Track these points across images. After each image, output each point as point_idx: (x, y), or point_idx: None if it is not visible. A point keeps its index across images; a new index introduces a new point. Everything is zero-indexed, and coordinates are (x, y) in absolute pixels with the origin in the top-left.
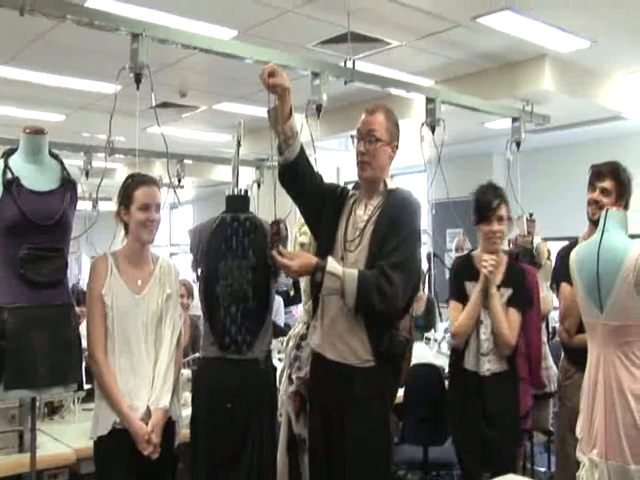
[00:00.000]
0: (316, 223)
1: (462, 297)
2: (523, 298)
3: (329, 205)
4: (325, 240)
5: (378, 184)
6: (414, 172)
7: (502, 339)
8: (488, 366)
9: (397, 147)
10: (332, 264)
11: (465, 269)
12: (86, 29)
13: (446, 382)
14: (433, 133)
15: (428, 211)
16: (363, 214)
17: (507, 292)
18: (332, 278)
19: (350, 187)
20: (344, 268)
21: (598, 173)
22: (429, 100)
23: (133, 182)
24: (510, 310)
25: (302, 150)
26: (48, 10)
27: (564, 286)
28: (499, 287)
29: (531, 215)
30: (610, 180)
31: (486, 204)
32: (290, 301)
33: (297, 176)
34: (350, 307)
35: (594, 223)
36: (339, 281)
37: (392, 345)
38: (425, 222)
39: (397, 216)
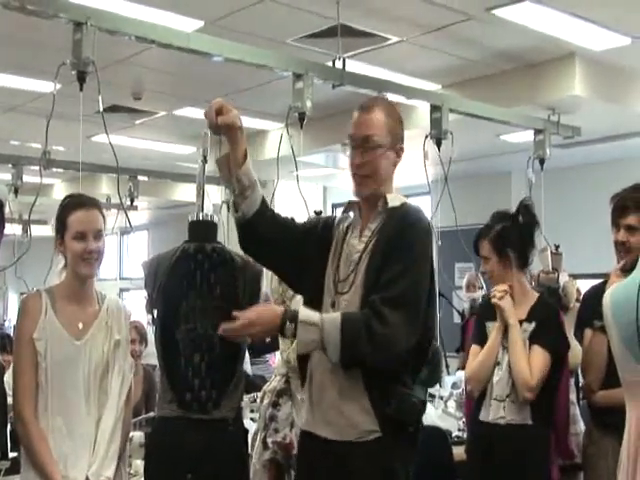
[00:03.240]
0: (299, 281)
1: (482, 340)
2: (552, 336)
3: (312, 249)
4: (311, 291)
5: (377, 198)
6: (416, 194)
7: (519, 378)
8: (502, 414)
9: (403, 149)
10: (305, 311)
11: (487, 309)
12: (17, 14)
13: (454, 448)
14: (439, 148)
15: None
16: (358, 243)
17: (530, 327)
18: (308, 328)
19: (338, 213)
20: (322, 314)
21: (621, 208)
22: (434, 108)
23: (67, 205)
24: (534, 347)
25: (263, 201)
26: None
27: (586, 332)
28: (521, 322)
29: (557, 247)
30: (636, 214)
31: (473, 242)
32: (265, 348)
33: (261, 235)
34: (335, 362)
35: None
36: (317, 330)
37: (402, 408)
38: None
39: (397, 239)
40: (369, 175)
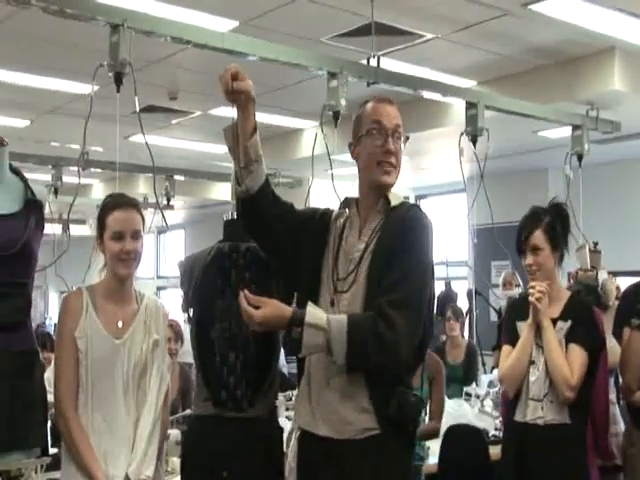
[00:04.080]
0: (294, 272)
1: (515, 340)
2: (588, 334)
3: (308, 239)
4: (307, 284)
5: (377, 199)
6: (452, 192)
7: (559, 377)
8: (541, 414)
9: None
10: (312, 313)
11: (519, 308)
12: (55, 17)
13: (491, 448)
14: (475, 145)
15: (469, 239)
16: (358, 241)
17: (565, 325)
18: (314, 332)
19: (335, 208)
20: (329, 315)
21: None
22: (470, 105)
23: (106, 206)
24: (571, 346)
25: (267, 179)
26: None
27: (625, 330)
28: (555, 321)
29: (595, 245)
30: None
31: (518, 233)
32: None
33: (261, 212)
34: (340, 364)
35: None
36: (323, 334)
37: (403, 408)
38: (465, 252)
39: (400, 239)
40: (396, 166)
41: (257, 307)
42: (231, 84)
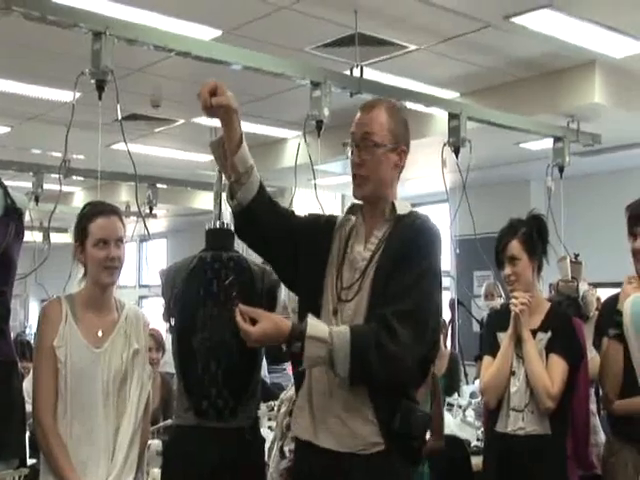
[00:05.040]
0: (296, 279)
1: (495, 350)
2: (568, 344)
3: (310, 245)
4: (309, 293)
5: (382, 206)
6: (434, 202)
7: (539, 387)
8: (522, 424)
9: (406, 152)
10: (314, 325)
11: (499, 319)
12: (37, 24)
13: (473, 458)
14: (457, 156)
15: (451, 249)
16: (364, 250)
17: (545, 336)
18: (316, 344)
19: (342, 214)
20: (331, 327)
21: (636, 217)
22: (452, 116)
23: (88, 213)
24: (551, 356)
25: (261, 187)
26: None
27: (603, 341)
28: (535, 332)
29: (576, 256)
30: None
31: (496, 244)
32: (282, 357)
33: (257, 222)
34: (342, 378)
35: None
36: (325, 347)
37: (408, 423)
38: (448, 262)
39: (407, 248)
40: (368, 176)
41: (253, 321)
42: (209, 100)
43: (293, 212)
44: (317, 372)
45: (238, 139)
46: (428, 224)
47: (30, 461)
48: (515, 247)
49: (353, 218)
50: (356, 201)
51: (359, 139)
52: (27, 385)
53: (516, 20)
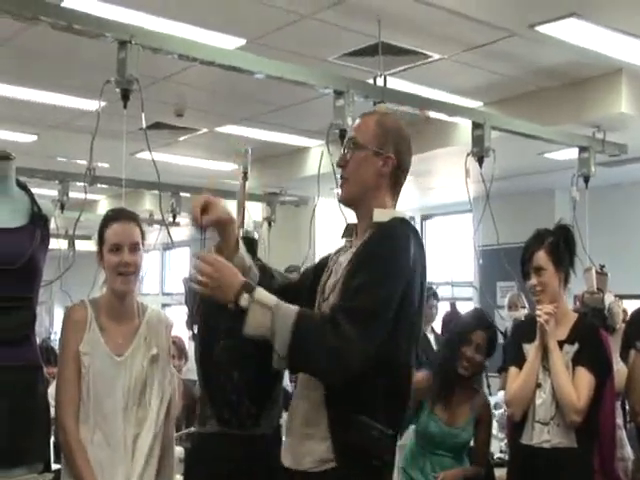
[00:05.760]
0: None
1: (521, 362)
2: (595, 357)
3: (314, 282)
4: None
5: (368, 214)
6: (457, 212)
7: (565, 400)
8: (547, 437)
9: (394, 160)
10: (262, 292)
11: (524, 330)
12: (63, 34)
13: (496, 470)
14: (481, 165)
15: (474, 260)
16: (345, 260)
17: (572, 349)
18: (260, 309)
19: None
20: (282, 302)
21: None
22: (476, 125)
23: (105, 219)
24: (578, 369)
25: (262, 278)
26: (17, 10)
27: (630, 353)
28: (562, 343)
29: (602, 267)
30: None
31: (522, 254)
32: None
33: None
34: (281, 359)
35: None
36: (270, 315)
37: (363, 440)
38: (471, 273)
39: (369, 250)
40: (348, 177)
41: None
42: (200, 219)
43: (303, 272)
44: (299, 386)
45: (234, 245)
46: (394, 230)
47: (55, 466)
48: (542, 257)
49: (349, 243)
50: (350, 221)
51: (346, 143)
52: (52, 390)
53: (541, 29)
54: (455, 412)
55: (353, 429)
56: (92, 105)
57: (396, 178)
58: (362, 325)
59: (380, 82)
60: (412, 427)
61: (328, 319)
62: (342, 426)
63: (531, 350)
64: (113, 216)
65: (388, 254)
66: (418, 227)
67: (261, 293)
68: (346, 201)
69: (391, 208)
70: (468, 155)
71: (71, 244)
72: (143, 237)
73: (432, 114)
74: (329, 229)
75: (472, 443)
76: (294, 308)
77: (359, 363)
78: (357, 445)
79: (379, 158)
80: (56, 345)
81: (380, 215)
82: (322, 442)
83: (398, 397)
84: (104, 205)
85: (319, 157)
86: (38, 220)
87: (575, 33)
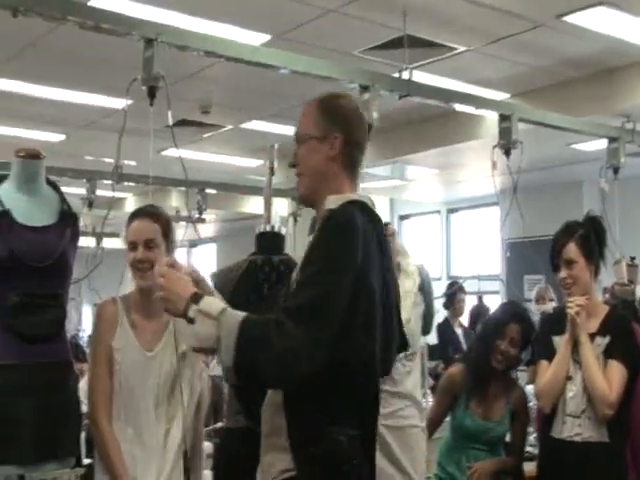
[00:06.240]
0: None
1: (551, 355)
2: (627, 349)
3: None
4: None
5: (323, 204)
6: (484, 205)
7: (597, 393)
8: (578, 430)
9: (340, 138)
10: (208, 301)
11: (554, 323)
12: (89, 33)
13: (525, 465)
14: (508, 157)
15: (501, 253)
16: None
17: (604, 341)
18: (207, 320)
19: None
20: (229, 309)
21: None
22: (503, 117)
23: (128, 218)
24: (609, 362)
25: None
26: (46, 10)
27: None
28: (593, 336)
29: (632, 259)
30: None
31: (551, 247)
32: None
33: None
34: (227, 368)
35: None
36: (216, 325)
37: (321, 445)
38: (498, 266)
39: (311, 244)
40: (302, 173)
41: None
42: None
43: None
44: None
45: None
46: (335, 219)
47: (86, 461)
48: (572, 250)
49: None
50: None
51: (294, 141)
52: (82, 386)
53: (569, 19)
54: (490, 406)
55: (314, 435)
56: (118, 104)
57: (348, 156)
58: (306, 324)
59: (405, 75)
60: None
61: (272, 322)
62: (302, 432)
63: (561, 343)
64: (133, 214)
65: (331, 245)
66: (443, 221)
67: (207, 302)
68: (303, 198)
69: (349, 192)
70: (494, 147)
71: (99, 242)
72: (166, 233)
73: (458, 107)
74: None
75: (508, 438)
76: (239, 315)
77: (308, 365)
78: (318, 452)
79: (325, 143)
80: (84, 342)
81: (332, 202)
82: (282, 452)
83: (361, 395)
84: (131, 203)
85: None
86: (68, 218)
87: (604, 22)
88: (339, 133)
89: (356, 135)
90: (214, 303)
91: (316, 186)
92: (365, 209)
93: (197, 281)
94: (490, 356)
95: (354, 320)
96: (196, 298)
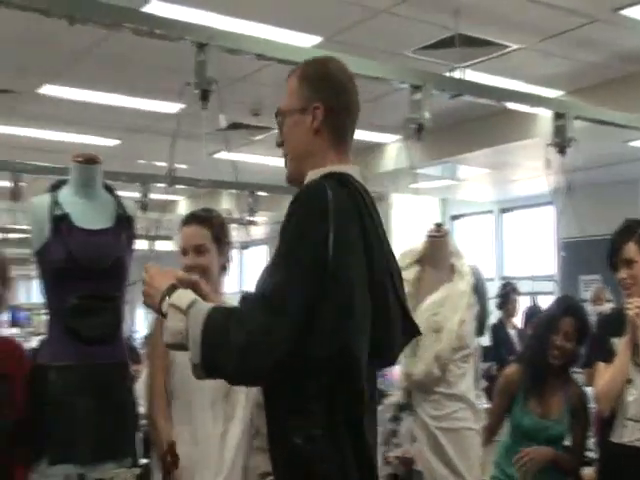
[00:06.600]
0: None
1: (609, 357)
2: None
3: None
4: None
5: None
6: (538, 204)
7: None
8: (639, 435)
9: (321, 106)
10: (181, 293)
11: (612, 324)
12: (142, 39)
13: (583, 469)
14: (562, 156)
15: (556, 252)
16: None
17: None
18: (177, 314)
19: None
20: (200, 302)
21: None
22: (558, 115)
23: (181, 222)
24: None
25: None
26: (102, 18)
27: None
28: None
29: None
30: None
31: (610, 247)
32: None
33: None
34: (196, 366)
35: None
36: (185, 320)
37: (287, 449)
38: (552, 266)
39: (281, 227)
40: (288, 153)
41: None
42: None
43: None
44: None
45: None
46: (300, 199)
47: (142, 461)
48: (632, 249)
49: None
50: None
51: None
52: (138, 386)
53: (626, 12)
54: (548, 404)
55: (282, 436)
56: (170, 108)
57: (334, 126)
58: (264, 314)
59: (457, 74)
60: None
61: (233, 314)
62: (273, 433)
63: (620, 345)
64: (184, 219)
65: (294, 228)
66: (496, 220)
67: (179, 295)
68: (290, 180)
69: (335, 164)
70: (548, 146)
71: (152, 244)
72: (218, 237)
73: (511, 105)
74: (406, 225)
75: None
76: (207, 308)
77: (269, 357)
78: (284, 454)
79: (307, 115)
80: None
81: (308, 179)
82: (262, 454)
83: (336, 392)
84: (183, 206)
85: (394, 153)
86: (124, 221)
87: None
88: (320, 102)
89: (341, 101)
90: (186, 296)
91: (302, 164)
92: (344, 181)
93: (194, 283)
94: (546, 352)
95: (322, 307)
96: (170, 291)
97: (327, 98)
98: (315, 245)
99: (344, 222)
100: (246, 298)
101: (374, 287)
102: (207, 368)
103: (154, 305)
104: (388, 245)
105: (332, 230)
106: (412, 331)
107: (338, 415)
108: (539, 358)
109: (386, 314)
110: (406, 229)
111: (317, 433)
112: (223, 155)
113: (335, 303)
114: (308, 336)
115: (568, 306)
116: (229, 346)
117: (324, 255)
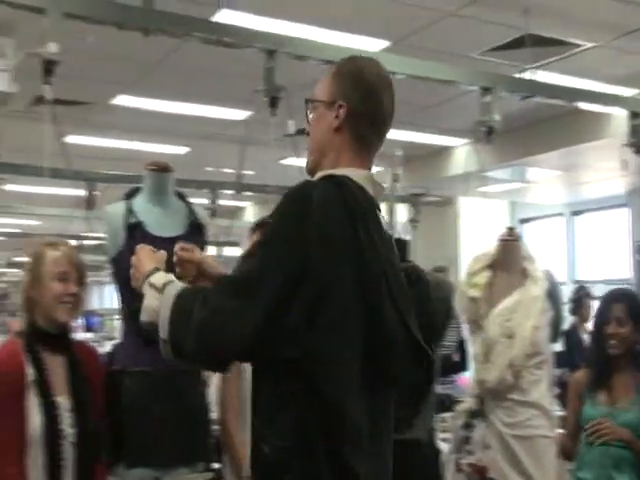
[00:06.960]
0: None
1: None
2: None
3: None
4: None
5: None
6: (611, 207)
7: None
8: None
9: (345, 106)
10: (161, 274)
11: None
12: (211, 48)
13: None
14: (639, 156)
15: (631, 255)
16: None
17: None
18: (153, 293)
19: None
20: (175, 282)
21: None
22: (634, 115)
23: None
24: None
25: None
26: (174, 28)
27: None
28: None
29: None
30: None
31: None
32: (452, 368)
33: None
34: (164, 342)
35: None
36: (160, 298)
37: (255, 453)
38: (627, 270)
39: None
40: (311, 146)
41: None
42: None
43: None
44: None
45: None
46: (286, 197)
47: (214, 465)
48: None
49: None
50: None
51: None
52: (211, 392)
53: None
54: (617, 395)
55: (254, 439)
56: (237, 115)
57: (354, 125)
58: (230, 296)
59: (528, 75)
60: None
61: (204, 292)
62: (252, 438)
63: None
64: (253, 227)
65: (275, 224)
66: (567, 223)
67: (158, 276)
68: (308, 171)
69: (348, 165)
70: (624, 146)
71: (220, 251)
72: None
73: (585, 106)
74: (474, 229)
75: None
76: (180, 286)
77: (229, 339)
78: (253, 457)
79: (331, 110)
80: None
81: (317, 176)
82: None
83: (306, 404)
84: (251, 212)
85: (464, 156)
86: (196, 228)
87: None
88: (345, 101)
89: (368, 106)
90: (164, 277)
91: (319, 159)
92: (345, 186)
93: (199, 262)
94: (604, 345)
95: (293, 304)
96: (152, 272)
97: (353, 99)
98: (291, 240)
99: (328, 222)
100: (219, 280)
101: (363, 288)
102: (172, 344)
103: (138, 287)
104: (393, 253)
105: (312, 228)
106: (420, 354)
107: (312, 430)
108: (599, 353)
109: (378, 317)
110: (474, 233)
111: (286, 445)
112: (291, 161)
113: (307, 300)
114: (276, 332)
115: (614, 293)
116: (190, 321)
117: (299, 250)
